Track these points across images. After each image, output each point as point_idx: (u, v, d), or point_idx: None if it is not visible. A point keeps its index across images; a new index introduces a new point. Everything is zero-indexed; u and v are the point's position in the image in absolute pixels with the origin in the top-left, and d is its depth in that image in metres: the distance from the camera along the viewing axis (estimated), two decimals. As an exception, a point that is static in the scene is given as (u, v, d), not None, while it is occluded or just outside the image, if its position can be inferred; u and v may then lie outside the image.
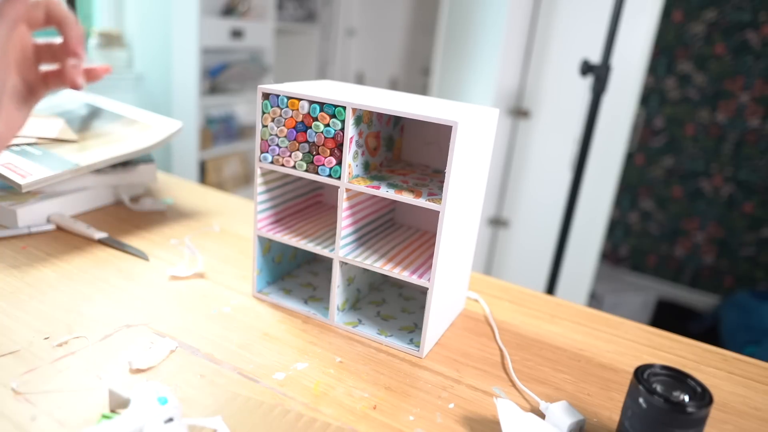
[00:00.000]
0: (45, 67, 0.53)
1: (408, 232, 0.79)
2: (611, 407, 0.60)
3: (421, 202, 0.61)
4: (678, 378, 0.50)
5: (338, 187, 0.68)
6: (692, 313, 2.93)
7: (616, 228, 3.14)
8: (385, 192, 0.63)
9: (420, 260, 0.69)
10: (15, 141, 0.84)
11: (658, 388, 0.49)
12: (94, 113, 0.99)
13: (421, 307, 0.78)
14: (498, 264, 2.49)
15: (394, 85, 3.44)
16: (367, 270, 0.76)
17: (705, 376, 0.68)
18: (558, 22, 2.14)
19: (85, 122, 0.96)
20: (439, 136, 0.77)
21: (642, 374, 0.49)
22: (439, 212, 0.60)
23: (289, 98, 0.65)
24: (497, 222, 2.44)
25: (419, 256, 0.71)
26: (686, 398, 0.48)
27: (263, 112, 0.68)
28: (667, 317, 2.87)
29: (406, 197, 0.62)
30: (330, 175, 0.65)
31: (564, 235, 1.47)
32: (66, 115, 0.97)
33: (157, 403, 0.46)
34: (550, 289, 1.52)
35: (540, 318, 0.78)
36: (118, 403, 0.50)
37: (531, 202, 2.35)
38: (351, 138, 0.63)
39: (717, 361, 0.71)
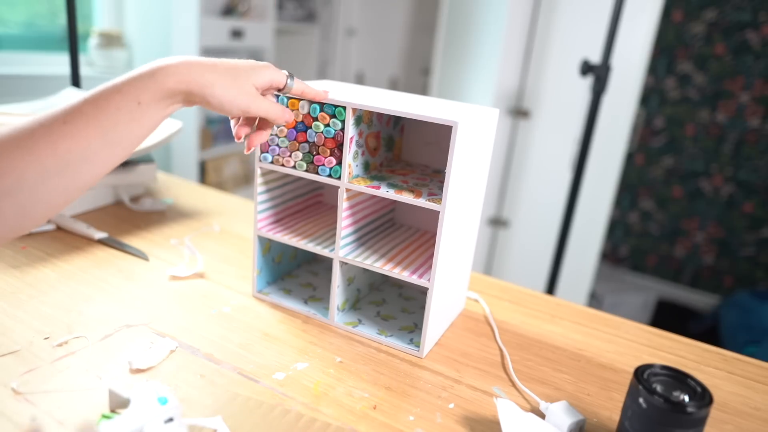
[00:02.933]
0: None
1: (408, 232, 0.79)
2: (611, 407, 0.60)
3: (421, 202, 0.61)
4: (678, 378, 0.50)
5: (338, 187, 0.68)
6: (692, 313, 2.93)
7: (616, 228, 3.14)
8: (385, 192, 0.63)
9: (420, 260, 0.69)
10: None
11: (658, 388, 0.49)
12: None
13: (421, 307, 0.78)
14: (498, 264, 2.49)
15: (394, 85, 3.44)
16: (367, 270, 0.76)
17: (705, 376, 0.68)
18: (558, 22, 2.14)
19: None
20: (439, 136, 0.77)
21: (642, 374, 0.49)
22: (439, 212, 0.60)
23: (289, 98, 0.65)
24: (497, 222, 2.44)
25: (419, 256, 0.71)
26: (686, 398, 0.48)
27: (263, 112, 0.67)
28: (667, 317, 2.87)
29: (406, 197, 0.62)
30: (330, 175, 0.65)
31: (564, 235, 1.47)
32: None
33: (157, 403, 0.46)
34: (550, 289, 1.52)
35: (540, 318, 0.78)
36: (118, 403, 0.49)
37: (531, 202, 2.35)
38: (351, 138, 0.63)
39: (717, 361, 0.71)
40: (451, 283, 0.69)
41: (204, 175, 2.57)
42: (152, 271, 0.79)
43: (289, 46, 3.21)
